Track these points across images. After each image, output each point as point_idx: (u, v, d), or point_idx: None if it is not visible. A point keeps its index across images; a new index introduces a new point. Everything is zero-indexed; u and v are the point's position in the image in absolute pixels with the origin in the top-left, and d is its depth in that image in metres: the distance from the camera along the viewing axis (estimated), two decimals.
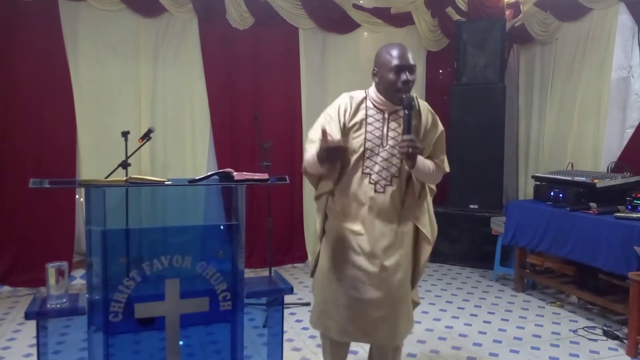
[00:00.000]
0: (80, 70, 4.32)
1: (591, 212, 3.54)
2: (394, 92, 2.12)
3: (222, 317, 1.88)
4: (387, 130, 2.17)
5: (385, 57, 2.15)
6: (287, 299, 3.65)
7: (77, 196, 4.35)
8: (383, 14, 5.22)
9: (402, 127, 2.09)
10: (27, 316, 1.70)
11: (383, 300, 2.12)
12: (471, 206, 5.00)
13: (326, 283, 2.17)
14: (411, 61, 2.14)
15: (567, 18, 4.63)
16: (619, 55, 4.17)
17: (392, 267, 2.14)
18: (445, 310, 3.79)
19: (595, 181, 3.66)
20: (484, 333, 3.38)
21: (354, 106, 2.20)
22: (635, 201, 3.49)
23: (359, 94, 2.25)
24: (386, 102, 2.17)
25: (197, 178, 1.96)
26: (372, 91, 2.23)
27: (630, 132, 4.06)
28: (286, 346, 3.04)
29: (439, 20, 5.37)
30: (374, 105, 2.20)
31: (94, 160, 4.34)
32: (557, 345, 3.20)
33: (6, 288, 4.09)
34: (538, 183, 4.23)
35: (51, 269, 1.75)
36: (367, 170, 2.14)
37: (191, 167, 4.64)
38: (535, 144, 5.07)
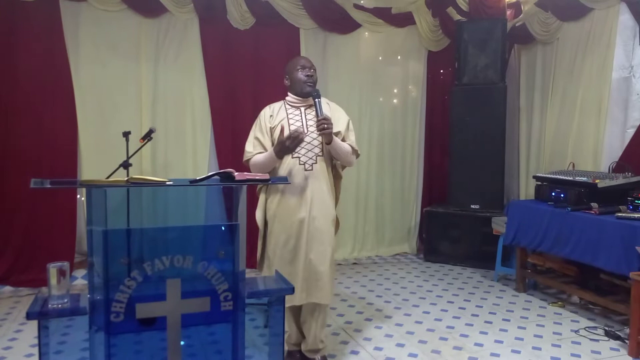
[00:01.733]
0: (81, 71, 4.32)
1: (592, 212, 3.53)
2: (302, 85, 2.71)
3: (223, 317, 1.88)
4: (306, 121, 2.73)
5: (292, 63, 2.80)
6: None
7: (78, 196, 4.36)
8: (384, 14, 5.23)
9: (315, 112, 2.65)
10: (29, 316, 1.70)
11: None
12: (472, 206, 5.00)
13: (282, 263, 2.66)
14: (309, 62, 2.79)
15: (568, 18, 4.62)
16: (620, 55, 4.16)
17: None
18: (446, 311, 3.79)
19: (597, 181, 3.65)
20: (485, 333, 3.38)
21: (275, 110, 2.78)
22: (636, 201, 3.48)
23: (277, 103, 2.83)
24: (300, 99, 2.75)
25: (198, 178, 1.96)
26: (288, 96, 2.81)
27: (631, 132, 4.05)
28: (287, 345, 3.04)
29: (440, 20, 5.37)
30: (291, 105, 2.78)
31: (95, 160, 4.35)
32: (559, 346, 3.20)
33: (8, 288, 4.10)
34: (539, 183, 4.23)
35: (52, 269, 1.75)
36: (296, 155, 2.65)
37: (192, 167, 4.64)
38: (537, 144, 5.07)
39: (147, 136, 3.75)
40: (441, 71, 5.70)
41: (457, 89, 5.10)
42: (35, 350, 2.92)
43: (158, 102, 4.58)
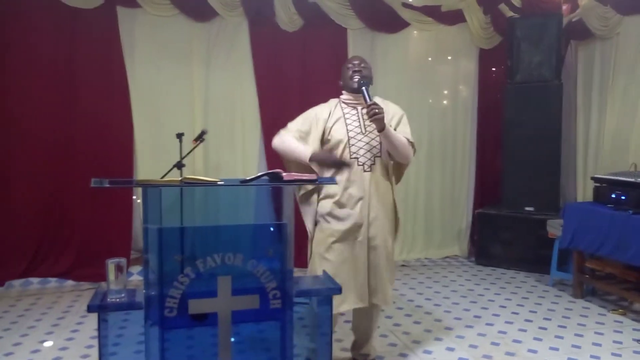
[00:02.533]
0: (137, 74, 4.49)
1: None
2: (350, 80, 2.67)
3: (272, 315, 1.90)
4: (363, 121, 2.66)
5: (343, 65, 2.78)
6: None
7: (134, 197, 4.53)
8: (433, 12, 5.14)
9: (364, 100, 2.54)
10: (89, 309, 1.78)
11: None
12: (526, 208, 4.85)
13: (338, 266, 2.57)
14: (358, 59, 2.76)
15: (628, 12, 4.41)
16: None
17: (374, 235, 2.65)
18: (498, 315, 3.69)
19: None
20: (540, 340, 3.26)
21: (332, 108, 2.72)
22: None
23: (332, 101, 2.79)
24: (354, 96, 2.69)
25: (248, 178, 1.99)
26: (342, 95, 2.77)
27: None
28: (335, 345, 3.05)
29: (492, 17, 5.23)
30: (347, 104, 2.73)
31: (150, 161, 4.51)
32: (619, 355, 3.05)
33: (70, 282, 4.31)
34: (598, 185, 4.04)
35: (111, 264, 1.83)
36: (354, 155, 2.59)
37: (242, 168, 4.73)
38: (595, 143, 4.86)
39: (200, 137, 3.85)
40: (493, 69, 5.56)
41: (510, 87, 4.96)
42: (95, 342, 3.05)
43: (209, 104, 4.69)
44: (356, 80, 2.64)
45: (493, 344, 3.20)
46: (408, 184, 5.33)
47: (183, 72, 4.60)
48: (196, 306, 1.81)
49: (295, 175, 2.04)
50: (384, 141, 2.62)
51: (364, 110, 2.61)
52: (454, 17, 5.21)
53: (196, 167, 4.56)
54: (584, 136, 5.00)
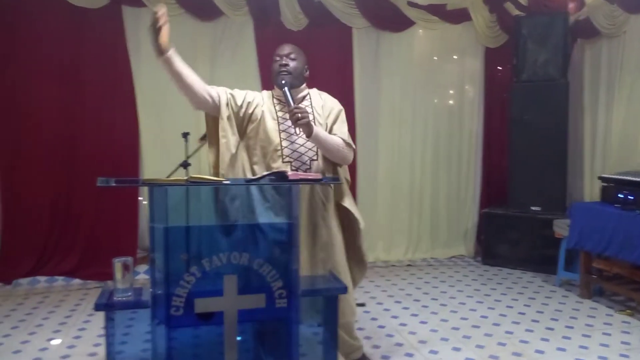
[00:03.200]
0: (142, 73, 4.51)
1: None
2: (276, 74, 2.47)
3: (278, 313, 1.91)
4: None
5: (273, 54, 2.55)
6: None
7: (140, 198, 4.55)
8: (439, 11, 5.13)
9: (286, 102, 2.35)
10: (97, 307, 1.79)
11: None
12: (532, 208, 4.82)
13: None
14: (287, 49, 2.55)
15: (635, 10, 4.38)
16: None
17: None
18: (505, 315, 3.68)
19: None
20: (547, 340, 3.25)
21: (264, 97, 2.53)
22: None
23: (265, 93, 2.59)
24: (280, 91, 2.44)
25: (253, 178, 2.00)
26: (273, 90, 2.57)
27: None
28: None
29: (497, 16, 5.21)
30: (279, 100, 2.51)
31: (156, 160, 4.52)
32: (627, 356, 3.03)
33: (77, 281, 4.33)
34: (605, 184, 4.02)
35: (117, 263, 1.84)
36: (287, 159, 2.38)
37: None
38: (602, 142, 4.82)
39: (205, 137, 3.83)
40: (499, 68, 5.53)
41: (517, 86, 4.94)
42: (102, 340, 3.06)
43: None
44: (283, 77, 2.44)
45: (500, 344, 3.19)
46: (413, 183, 5.32)
47: None
48: (202, 305, 1.81)
49: (301, 175, 2.04)
50: (316, 145, 2.41)
51: (302, 105, 2.44)
52: (460, 16, 5.20)
53: (202, 167, 4.57)
54: (591, 135, 4.97)
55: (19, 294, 4.06)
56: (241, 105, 2.44)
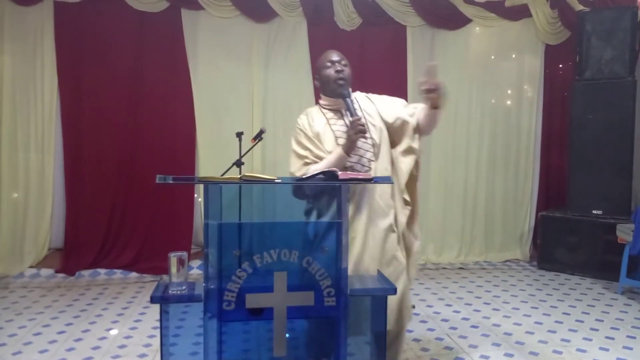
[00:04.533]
0: (199, 74, 4.64)
1: None
2: (332, 83, 2.39)
3: (326, 312, 1.91)
4: (349, 124, 2.32)
5: (321, 60, 2.47)
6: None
7: (195, 195, 4.68)
8: (496, 8, 4.99)
9: (348, 112, 2.33)
10: (152, 300, 1.85)
11: None
12: (594, 211, 4.61)
13: None
14: (338, 55, 2.45)
15: None
16: None
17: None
18: (561, 323, 3.53)
19: None
20: (606, 350, 3.10)
21: (312, 117, 2.44)
22: None
23: (311, 108, 2.51)
24: (335, 100, 2.42)
25: (304, 177, 2.01)
26: (322, 100, 2.49)
27: None
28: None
29: (559, 11, 5.01)
30: (329, 110, 2.45)
31: (211, 159, 4.65)
32: None
33: (134, 274, 4.51)
34: None
35: (173, 258, 1.89)
36: (348, 164, 2.32)
37: None
38: None
39: (258, 136, 3.92)
40: (560, 66, 5.32)
41: (579, 84, 4.73)
42: (156, 332, 3.19)
43: (268, 103, 4.77)
44: (341, 84, 2.38)
45: (555, 352, 3.07)
46: (467, 184, 5.21)
47: (243, 72, 4.71)
48: (253, 300, 1.84)
49: (351, 174, 2.04)
50: (428, 118, 2.40)
51: (348, 112, 2.37)
52: (519, 12, 5.04)
53: (254, 165, 4.66)
54: None
55: (81, 285, 4.28)
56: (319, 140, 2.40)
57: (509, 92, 5.27)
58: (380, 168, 2.39)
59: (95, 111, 4.49)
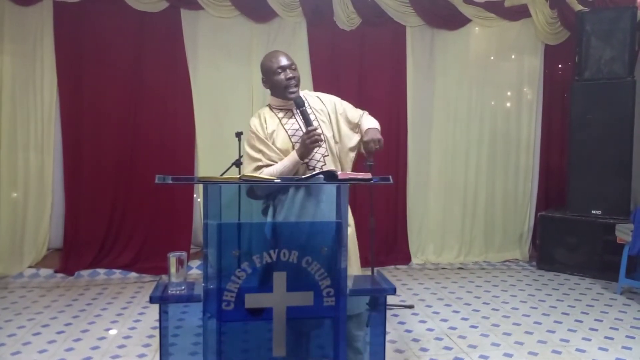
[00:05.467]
0: (199, 74, 4.64)
1: None
2: (284, 88, 2.39)
3: (326, 312, 1.91)
4: (301, 123, 2.39)
5: (269, 63, 2.45)
6: (390, 300, 3.63)
7: (194, 195, 4.68)
8: (496, 8, 5.00)
9: (302, 123, 2.36)
10: (152, 300, 1.86)
11: None
12: (593, 212, 4.62)
13: None
14: (288, 60, 2.43)
15: None
16: None
17: None
18: (560, 323, 3.54)
19: None
20: (605, 350, 3.10)
21: (265, 118, 2.44)
22: None
23: (262, 110, 2.52)
24: (285, 101, 2.43)
25: (303, 177, 2.01)
26: (272, 100, 2.50)
27: None
28: (389, 347, 3.03)
29: (559, 12, 5.01)
30: (280, 109, 2.47)
31: (211, 158, 4.64)
32: None
33: (133, 274, 4.50)
34: None
35: (172, 258, 1.90)
36: (305, 160, 2.33)
37: None
38: None
39: None
40: (560, 66, 5.33)
41: (578, 84, 4.73)
42: (156, 332, 3.19)
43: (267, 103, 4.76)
44: (293, 93, 2.39)
45: (554, 352, 3.07)
46: (467, 184, 5.21)
47: (242, 72, 4.71)
48: (252, 300, 1.85)
49: (350, 174, 2.04)
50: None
51: (298, 111, 2.41)
52: (518, 13, 5.04)
53: None
54: None
55: (80, 285, 4.28)
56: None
57: (509, 92, 5.27)
58: (330, 162, 2.43)
59: (95, 111, 4.49)
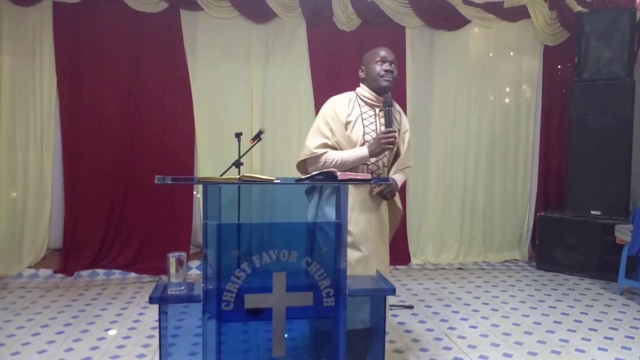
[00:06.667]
0: (198, 75, 4.64)
1: None
2: (379, 79, 2.43)
3: (325, 312, 1.91)
4: (379, 125, 2.44)
5: (371, 54, 2.53)
6: (390, 300, 3.63)
7: (195, 192, 4.69)
8: (495, 9, 5.00)
9: (381, 123, 2.42)
10: (151, 300, 1.85)
11: None
12: (593, 212, 4.62)
13: None
14: (392, 55, 2.50)
15: None
16: None
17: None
18: (560, 323, 3.54)
19: None
20: (605, 350, 3.10)
21: (350, 104, 2.46)
22: None
23: (348, 94, 2.51)
24: (375, 96, 2.46)
25: (303, 177, 2.02)
26: (361, 89, 2.52)
27: None
28: (388, 347, 3.03)
29: (558, 12, 5.02)
30: (365, 102, 2.48)
31: (210, 159, 4.64)
32: None
33: (132, 274, 4.50)
34: None
35: (172, 258, 1.89)
36: (372, 160, 2.39)
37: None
38: None
39: (257, 137, 3.92)
40: (559, 67, 5.33)
41: (577, 85, 4.74)
42: (155, 332, 3.19)
43: (267, 104, 4.78)
44: (386, 83, 2.45)
45: (554, 352, 3.08)
46: (466, 184, 5.21)
47: (242, 72, 4.71)
48: (252, 301, 1.85)
49: (350, 175, 2.04)
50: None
51: (381, 113, 2.47)
52: (518, 13, 5.05)
53: (253, 166, 4.66)
54: None
55: (80, 285, 4.28)
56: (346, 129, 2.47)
57: (508, 93, 5.27)
58: (386, 173, 2.52)
59: (94, 111, 4.49)
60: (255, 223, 2.02)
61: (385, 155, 2.50)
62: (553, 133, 5.34)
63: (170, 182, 1.86)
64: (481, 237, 5.28)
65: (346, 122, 2.42)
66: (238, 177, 1.90)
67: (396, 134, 2.38)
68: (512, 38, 5.17)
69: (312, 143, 2.42)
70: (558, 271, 4.77)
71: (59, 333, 3.27)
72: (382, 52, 2.50)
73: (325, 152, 2.38)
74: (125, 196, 4.58)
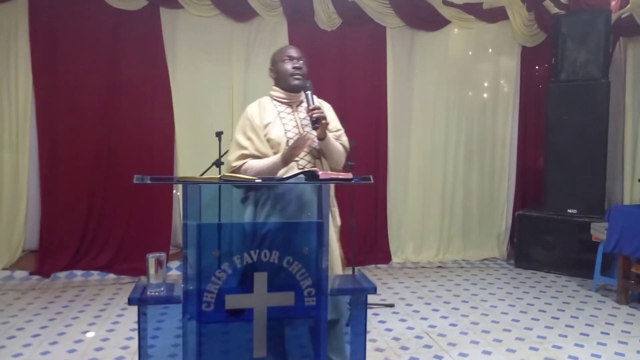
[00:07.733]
0: (178, 74, 4.60)
1: None
2: (289, 78, 2.43)
3: (307, 312, 1.91)
4: (300, 120, 2.44)
5: (279, 53, 2.53)
6: (371, 299, 3.65)
7: (174, 191, 4.64)
8: (475, 10, 5.06)
9: (306, 103, 2.39)
10: (130, 302, 1.83)
11: None
12: (569, 210, 4.71)
13: None
14: (298, 53, 2.52)
15: None
16: None
17: None
18: (537, 320, 3.60)
19: None
20: (581, 346, 3.16)
21: (264, 107, 2.45)
22: None
23: (263, 99, 2.51)
24: (288, 94, 2.46)
25: (284, 177, 2.01)
26: (273, 91, 2.52)
27: None
28: (369, 346, 3.04)
29: (536, 14, 5.10)
30: (280, 102, 2.48)
31: (190, 158, 4.60)
32: None
33: (111, 276, 4.44)
34: None
35: (151, 259, 1.87)
36: (294, 158, 2.33)
37: None
38: None
39: None
40: (536, 67, 5.42)
41: (554, 86, 4.82)
42: (135, 334, 3.14)
43: (248, 103, 4.66)
44: (297, 82, 2.44)
45: (532, 348, 3.13)
46: (445, 183, 5.26)
47: (223, 71, 4.68)
48: (233, 301, 1.83)
49: (332, 174, 2.05)
50: (322, 147, 2.42)
51: (299, 108, 2.47)
52: (496, 15, 5.11)
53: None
54: (633, 137, 4.81)
55: (57, 287, 4.20)
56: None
57: (486, 93, 5.34)
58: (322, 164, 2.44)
59: (72, 110, 4.41)
60: (236, 223, 2.01)
61: (303, 157, 2.40)
62: (530, 133, 5.42)
63: (150, 182, 1.84)
64: (460, 236, 5.34)
65: (265, 125, 2.39)
66: (219, 176, 1.89)
67: (322, 110, 2.35)
68: (491, 39, 5.24)
69: (231, 157, 2.40)
70: (536, 269, 4.85)
71: (35, 336, 3.21)
72: (290, 50, 2.52)
73: (245, 162, 2.36)
74: (104, 196, 4.52)
